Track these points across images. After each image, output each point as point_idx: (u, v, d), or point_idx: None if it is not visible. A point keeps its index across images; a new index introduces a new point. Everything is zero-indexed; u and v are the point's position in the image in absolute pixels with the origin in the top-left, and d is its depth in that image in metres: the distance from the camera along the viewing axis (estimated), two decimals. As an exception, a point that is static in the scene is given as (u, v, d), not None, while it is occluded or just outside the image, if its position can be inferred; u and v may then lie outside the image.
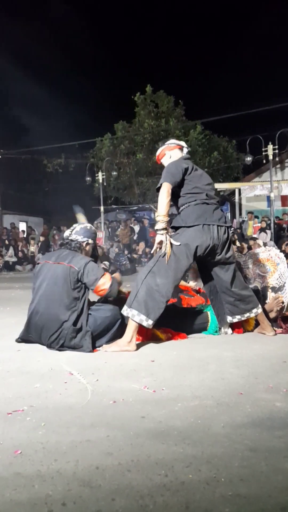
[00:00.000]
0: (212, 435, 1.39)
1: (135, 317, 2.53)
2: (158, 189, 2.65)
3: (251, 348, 2.62)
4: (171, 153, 2.90)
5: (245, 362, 2.28)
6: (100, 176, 16.42)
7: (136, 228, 16.55)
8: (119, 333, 2.69)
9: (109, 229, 16.51)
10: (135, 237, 15.77)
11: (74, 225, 2.91)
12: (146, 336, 2.91)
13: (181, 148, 2.92)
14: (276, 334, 2.94)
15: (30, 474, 1.18)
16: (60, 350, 2.57)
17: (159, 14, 38.32)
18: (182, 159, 2.84)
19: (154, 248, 2.66)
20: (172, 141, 2.95)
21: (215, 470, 1.18)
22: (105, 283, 2.61)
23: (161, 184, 2.65)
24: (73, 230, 2.86)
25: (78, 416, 1.57)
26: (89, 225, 2.96)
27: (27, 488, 1.11)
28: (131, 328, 2.57)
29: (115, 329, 2.68)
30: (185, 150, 2.94)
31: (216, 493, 1.07)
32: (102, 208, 16.62)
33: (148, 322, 2.54)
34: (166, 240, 2.58)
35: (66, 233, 2.88)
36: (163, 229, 2.59)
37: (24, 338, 2.74)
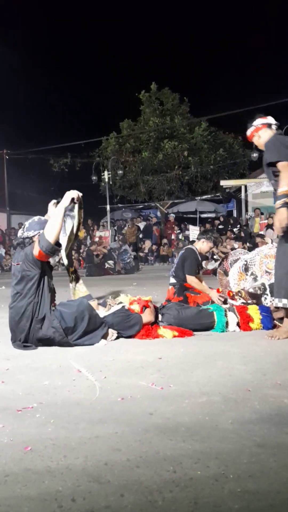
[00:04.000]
0: (220, 431, 1.39)
1: None
2: (270, 164, 2.78)
3: (258, 344, 2.61)
4: (260, 133, 2.99)
5: (252, 358, 2.28)
6: (106, 175, 16.44)
7: (142, 226, 16.55)
8: (91, 328, 2.70)
9: (115, 228, 16.54)
10: (141, 235, 15.77)
11: (24, 223, 2.93)
12: (153, 335, 2.92)
13: (269, 125, 2.99)
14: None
15: (40, 470, 1.19)
16: (25, 347, 2.65)
17: (164, 12, 38.18)
18: (278, 135, 2.94)
19: (280, 225, 2.68)
20: (258, 121, 3.01)
21: (223, 466, 1.18)
22: (35, 246, 2.64)
23: (274, 161, 2.74)
24: (24, 228, 2.88)
25: (87, 413, 1.58)
26: (38, 217, 2.93)
27: (37, 483, 1.13)
28: None
29: (84, 324, 2.68)
30: (274, 127, 2.99)
31: (225, 489, 1.07)
32: (108, 207, 16.65)
33: None
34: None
35: (19, 232, 2.91)
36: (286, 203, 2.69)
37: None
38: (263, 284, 3.56)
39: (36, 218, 2.91)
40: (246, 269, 3.81)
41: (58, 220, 2.69)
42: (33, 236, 2.80)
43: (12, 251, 14.93)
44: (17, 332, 2.70)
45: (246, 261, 3.83)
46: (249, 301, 3.53)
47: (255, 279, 3.71)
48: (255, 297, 3.56)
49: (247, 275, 3.78)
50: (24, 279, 2.70)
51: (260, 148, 3.06)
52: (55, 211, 2.74)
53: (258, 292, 3.54)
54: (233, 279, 3.87)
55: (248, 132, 3.06)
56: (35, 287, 2.69)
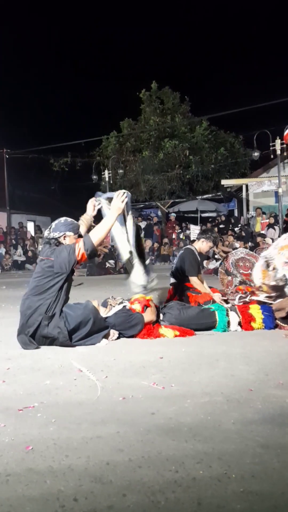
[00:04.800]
0: (223, 432, 1.39)
1: None
2: None
3: (260, 344, 2.60)
4: None
5: (254, 358, 2.27)
6: (106, 174, 16.43)
7: (143, 225, 16.54)
8: (94, 330, 2.70)
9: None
10: (142, 235, 15.75)
11: (51, 224, 2.95)
12: (154, 334, 2.91)
13: None
14: None
15: (42, 470, 1.19)
16: (30, 342, 2.65)
17: (164, 11, 38.11)
18: None
19: None
20: None
21: (226, 466, 1.18)
22: (78, 247, 2.65)
23: None
24: (50, 228, 2.91)
25: (89, 413, 1.58)
26: (64, 218, 2.94)
27: (39, 483, 1.12)
28: None
29: (88, 327, 2.68)
30: None
31: (228, 490, 1.07)
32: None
33: None
34: None
35: (45, 233, 2.94)
36: None
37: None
38: (284, 275, 3.53)
39: (62, 219, 2.92)
40: (267, 266, 3.79)
41: (106, 228, 2.72)
42: (59, 237, 2.81)
43: (16, 250, 14.82)
44: (26, 325, 2.69)
45: (266, 257, 3.82)
46: (273, 294, 3.51)
47: (278, 272, 3.69)
48: (278, 290, 3.53)
49: (269, 271, 3.76)
50: (48, 275, 2.70)
51: None
52: (107, 219, 2.74)
53: (280, 283, 3.52)
54: (258, 279, 3.85)
55: (285, 133, 3.19)
56: (58, 286, 2.70)
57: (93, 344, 2.70)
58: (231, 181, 17.30)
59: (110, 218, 2.78)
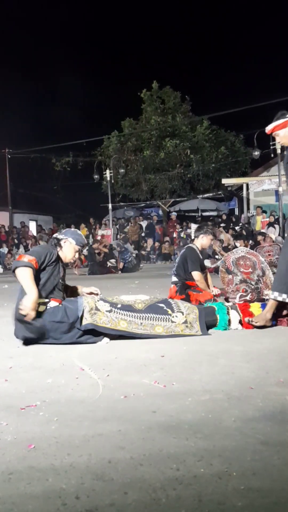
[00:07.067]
0: (224, 429, 1.39)
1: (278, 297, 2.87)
2: None
3: (261, 342, 2.61)
4: None
5: (255, 356, 2.27)
6: (108, 173, 16.45)
7: (144, 224, 16.56)
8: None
9: (117, 226, 16.55)
10: (143, 234, 15.79)
11: (66, 228, 3.23)
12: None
13: None
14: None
15: (43, 468, 1.20)
16: (26, 344, 2.68)
17: (165, 10, 38.03)
18: None
19: None
20: None
21: (227, 463, 1.18)
22: (19, 258, 2.76)
23: None
24: (61, 231, 3.13)
25: (90, 411, 1.59)
26: (77, 230, 3.21)
27: (41, 481, 1.13)
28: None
29: None
30: None
31: (229, 487, 1.07)
32: (110, 205, 16.66)
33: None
34: None
35: (57, 233, 3.15)
36: None
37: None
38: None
39: (73, 229, 3.21)
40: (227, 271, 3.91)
41: (23, 281, 2.71)
42: (61, 239, 2.98)
43: (15, 250, 14.95)
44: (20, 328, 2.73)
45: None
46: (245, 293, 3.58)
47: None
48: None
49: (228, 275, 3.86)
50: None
51: (284, 144, 3.05)
52: (28, 285, 2.68)
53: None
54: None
55: (279, 122, 2.99)
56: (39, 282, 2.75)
57: (94, 342, 2.70)
58: (231, 180, 17.31)
59: (27, 287, 2.66)
